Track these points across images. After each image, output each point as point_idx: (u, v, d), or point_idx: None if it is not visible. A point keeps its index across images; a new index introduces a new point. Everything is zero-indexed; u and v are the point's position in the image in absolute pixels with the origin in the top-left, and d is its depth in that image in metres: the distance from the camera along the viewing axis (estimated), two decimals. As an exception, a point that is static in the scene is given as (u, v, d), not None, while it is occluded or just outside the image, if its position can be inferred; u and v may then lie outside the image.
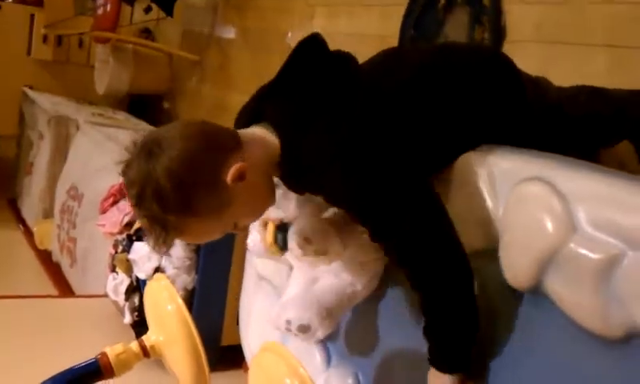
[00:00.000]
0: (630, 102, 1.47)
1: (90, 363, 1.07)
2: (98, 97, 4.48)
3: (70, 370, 1.08)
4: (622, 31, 1.79)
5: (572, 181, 1.03)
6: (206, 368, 1.07)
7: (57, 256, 3.22)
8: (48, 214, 3.65)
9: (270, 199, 1.16)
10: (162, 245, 1.05)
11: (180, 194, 1.03)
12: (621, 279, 0.94)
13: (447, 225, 1.11)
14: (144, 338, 1.12)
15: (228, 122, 1.21)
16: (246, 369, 1.84)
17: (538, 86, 1.31)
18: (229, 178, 1.06)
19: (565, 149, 1.16)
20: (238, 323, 1.86)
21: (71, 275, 2.98)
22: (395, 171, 1.10)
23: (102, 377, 1.08)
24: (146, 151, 1.04)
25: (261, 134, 1.14)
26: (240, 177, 1.07)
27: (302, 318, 1.20)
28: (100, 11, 3.97)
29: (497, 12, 2.13)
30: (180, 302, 1.08)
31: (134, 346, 1.10)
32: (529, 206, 1.06)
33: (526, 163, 1.11)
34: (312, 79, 1.15)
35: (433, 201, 1.12)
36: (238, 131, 1.14)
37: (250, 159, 1.09)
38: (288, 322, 1.22)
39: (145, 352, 1.10)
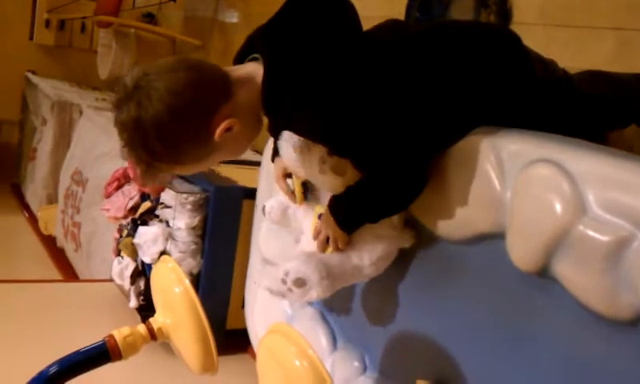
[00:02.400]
0: (638, 87, 1.46)
1: (98, 346, 1.07)
2: (101, 81, 4.46)
3: (78, 353, 1.08)
4: (628, 13, 1.77)
5: (581, 162, 1.02)
6: (214, 350, 1.07)
7: (61, 241, 3.22)
8: (52, 199, 3.65)
9: (255, 135, 1.19)
10: (150, 181, 1.17)
11: (168, 148, 1.08)
12: (630, 261, 0.93)
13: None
14: (151, 320, 1.12)
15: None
16: (252, 353, 1.85)
17: (547, 65, 1.29)
18: (217, 134, 1.10)
19: (572, 130, 1.16)
20: (243, 307, 1.87)
21: (76, 260, 2.98)
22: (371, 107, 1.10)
23: (109, 359, 1.08)
24: (136, 99, 1.05)
25: (252, 69, 1.15)
26: (228, 128, 1.11)
27: (299, 271, 1.17)
28: (102, -5, 3.95)
29: (503, -8, 2.11)
30: (187, 283, 1.07)
31: (142, 328, 1.10)
32: (537, 188, 1.05)
33: (534, 145, 1.10)
34: (308, 19, 1.14)
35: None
36: (231, 69, 1.15)
37: (238, 105, 1.12)
38: (285, 274, 1.18)
39: (152, 334, 1.10)
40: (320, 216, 1.31)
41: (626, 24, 1.77)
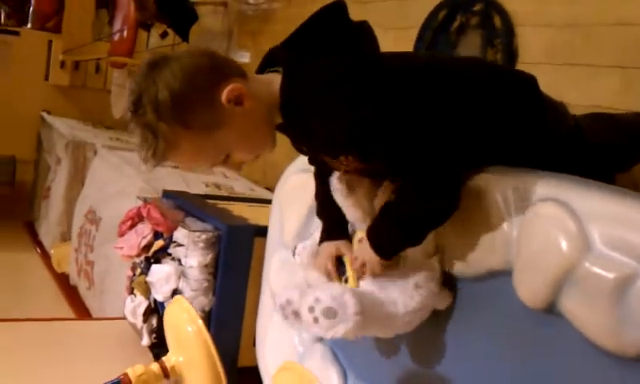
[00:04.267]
0: None
1: (113, 383, 1.09)
2: (115, 121, 4.52)
3: (94, 390, 1.10)
4: (632, 52, 1.80)
5: (586, 201, 1.04)
6: (227, 391, 1.08)
7: (74, 279, 3.25)
8: (65, 237, 3.68)
9: (268, 140, 1.17)
10: (152, 157, 1.07)
11: (174, 102, 1.05)
12: (635, 298, 0.94)
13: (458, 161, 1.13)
14: (164, 358, 1.14)
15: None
16: (263, 390, 1.85)
17: (558, 110, 1.31)
18: (224, 96, 1.08)
19: (581, 174, 1.16)
20: (254, 344, 1.87)
21: (88, 298, 3.00)
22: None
23: (124, 397, 1.09)
24: (151, 64, 1.08)
25: (270, 77, 1.15)
26: (236, 100, 1.09)
27: (334, 301, 1.09)
28: (117, 37, 4.03)
29: (509, 34, 2.16)
30: (200, 323, 1.09)
31: (155, 367, 1.11)
32: (543, 226, 1.07)
33: (539, 184, 1.12)
34: (328, 36, 1.13)
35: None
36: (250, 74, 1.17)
37: (251, 91, 1.11)
38: (316, 301, 1.10)
39: (165, 373, 1.12)
40: (360, 240, 1.28)
41: (630, 62, 1.80)
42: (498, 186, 1.17)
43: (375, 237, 1.19)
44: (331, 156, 1.22)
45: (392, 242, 1.19)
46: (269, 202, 2.49)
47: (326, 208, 1.37)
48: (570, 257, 1.02)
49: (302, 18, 1.15)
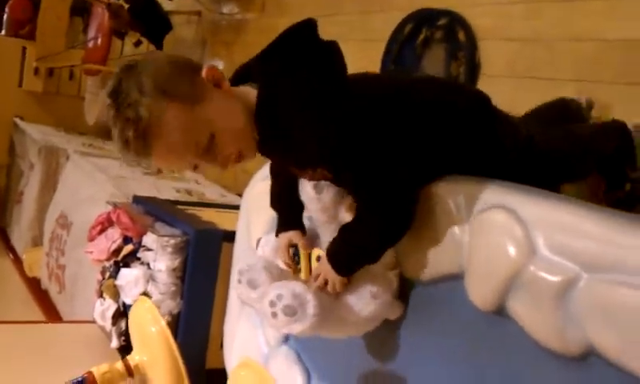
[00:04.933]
0: (595, 139, 1.54)
1: (77, 381, 1.11)
2: (88, 127, 4.51)
3: (59, 388, 1.11)
4: (587, 66, 1.87)
5: (532, 208, 1.09)
6: (188, 387, 1.11)
7: (45, 283, 3.24)
8: (37, 241, 3.66)
9: (249, 135, 1.17)
10: (135, 138, 1.07)
11: (157, 76, 1.08)
12: (577, 300, 0.99)
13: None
14: (128, 357, 1.16)
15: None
16: (231, 392, 1.88)
17: (509, 122, 1.35)
18: (204, 72, 1.12)
19: (530, 181, 1.20)
20: (222, 347, 1.88)
21: (59, 302, 3.00)
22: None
23: (87, 395, 1.11)
24: (128, 65, 1.11)
25: (245, 89, 1.19)
26: (215, 81, 1.13)
27: (295, 299, 1.14)
28: (91, 44, 4.02)
29: (472, 48, 2.22)
30: (163, 323, 1.12)
31: (119, 365, 1.14)
32: (492, 232, 1.12)
33: (489, 191, 1.16)
34: (299, 54, 1.15)
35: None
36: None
37: (228, 87, 1.15)
38: (278, 297, 1.15)
39: (129, 371, 1.14)
40: (318, 258, 1.32)
41: (585, 76, 1.87)
42: (450, 193, 1.21)
43: (334, 258, 1.24)
44: (300, 168, 1.26)
45: (350, 261, 1.24)
46: (239, 208, 2.54)
47: (280, 199, 1.43)
48: (516, 261, 1.06)
49: (274, 28, 1.18)
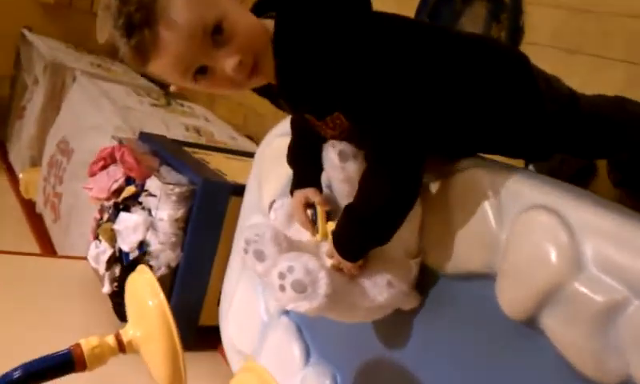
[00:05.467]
0: None
1: (63, 354, 1.01)
2: (98, 46, 4.37)
3: (41, 360, 1.02)
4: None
5: (582, 214, 0.99)
6: (183, 371, 1.03)
7: (40, 208, 3.16)
8: (36, 162, 3.57)
9: (268, 48, 1.04)
10: (135, 13, 0.96)
11: None
12: (622, 327, 0.90)
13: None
14: (121, 331, 1.07)
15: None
16: (222, 351, 1.82)
17: (551, 82, 1.28)
18: None
19: (572, 148, 1.24)
20: (219, 304, 1.82)
21: (53, 230, 2.92)
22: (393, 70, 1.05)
23: (74, 369, 1.02)
24: None
25: (263, 20, 1.08)
26: None
27: (307, 275, 1.05)
28: (108, -42, 3.84)
29: (517, 11, 2.06)
30: (162, 297, 1.02)
31: (111, 339, 1.04)
32: (535, 235, 1.02)
33: (535, 188, 1.07)
34: None
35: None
36: None
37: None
38: (289, 269, 1.06)
39: (121, 347, 1.05)
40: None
41: (638, 59, 1.73)
42: (490, 183, 1.12)
43: (340, 242, 1.14)
44: (317, 112, 1.14)
45: (357, 244, 1.14)
46: (249, 154, 2.44)
47: (298, 156, 1.33)
48: (559, 273, 0.98)
49: None
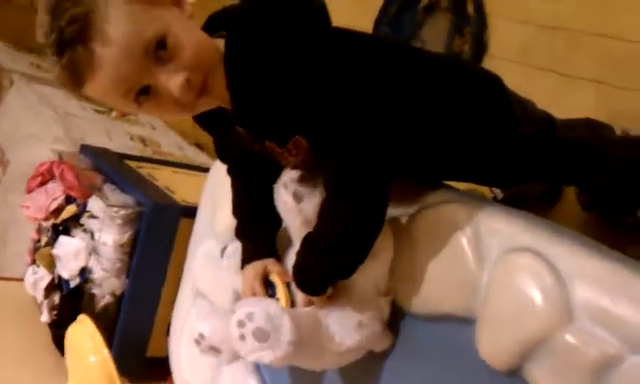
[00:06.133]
0: (625, 146, 1.42)
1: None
2: (38, 44, 4.17)
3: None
4: (612, 68, 1.68)
5: (572, 260, 0.93)
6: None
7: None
8: (-33, 170, 3.37)
9: (218, 67, 0.96)
10: (68, 28, 0.86)
11: None
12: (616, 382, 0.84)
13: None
14: (61, 392, 0.95)
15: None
16: (172, 383, 1.70)
17: (526, 104, 1.25)
18: None
19: (545, 174, 1.22)
20: (168, 334, 1.71)
21: (-14, 247, 2.75)
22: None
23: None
24: None
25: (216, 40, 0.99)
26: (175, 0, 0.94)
27: (269, 322, 0.97)
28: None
29: (481, 25, 2.00)
30: (106, 353, 0.91)
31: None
32: (520, 280, 0.95)
33: (520, 228, 1.01)
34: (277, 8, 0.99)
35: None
36: None
37: (192, 14, 0.96)
38: (248, 317, 0.98)
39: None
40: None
41: (610, 79, 1.68)
42: (468, 219, 1.04)
43: (301, 275, 1.04)
44: (274, 133, 1.04)
45: (318, 276, 1.03)
46: (199, 169, 2.32)
47: (245, 213, 1.22)
48: (547, 323, 0.91)
49: None
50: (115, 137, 2.59)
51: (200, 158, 2.72)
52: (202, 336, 1.10)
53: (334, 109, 0.92)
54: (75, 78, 0.90)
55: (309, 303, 1.08)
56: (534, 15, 1.89)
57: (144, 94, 0.92)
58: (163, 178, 2.06)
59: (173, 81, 0.90)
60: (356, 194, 0.94)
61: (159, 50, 0.89)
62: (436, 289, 1.06)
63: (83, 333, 0.96)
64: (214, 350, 1.11)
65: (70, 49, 0.86)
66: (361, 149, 0.93)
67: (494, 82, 1.18)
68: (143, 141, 2.69)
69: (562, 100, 1.75)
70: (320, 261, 1.00)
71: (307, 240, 1.02)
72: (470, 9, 2.05)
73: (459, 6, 2.07)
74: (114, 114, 1.01)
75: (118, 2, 0.88)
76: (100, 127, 2.66)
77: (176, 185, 2.01)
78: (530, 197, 1.59)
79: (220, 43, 0.97)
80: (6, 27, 4.41)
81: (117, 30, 0.87)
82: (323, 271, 1.02)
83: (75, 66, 0.87)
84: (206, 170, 1.77)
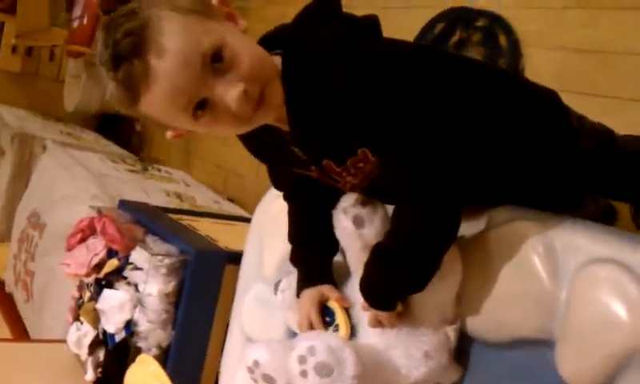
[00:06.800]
0: None
1: None
2: (66, 114, 4.25)
3: None
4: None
5: None
6: None
7: (10, 287, 2.96)
8: (4, 237, 3.38)
9: (276, 78, 0.94)
10: (129, 46, 0.85)
11: None
12: None
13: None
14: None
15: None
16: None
17: (583, 118, 1.21)
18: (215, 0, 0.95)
19: (608, 188, 1.19)
20: None
21: (26, 311, 2.72)
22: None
23: None
24: None
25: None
26: (229, 14, 0.94)
27: (331, 355, 0.93)
28: (76, 24, 3.78)
29: (515, 55, 1.98)
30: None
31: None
32: (603, 292, 0.91)
33: (595, 240, 0.96)
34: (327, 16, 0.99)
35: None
36: None
37: (245, 29, 0.96)
38: (310, 350, 0.95)
39: None
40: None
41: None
42: (538, 235, 1.00)
43: (369, 288, 1.00)
44: (340, 152, 1.00)
45: (388, 288, 1.00)
46: (238, 218, 2.30)
47: (303, 245, 1.19)
48: (634, 335, 0.86)
49: (281, 17, 1.02)
50: (151, 194, 2.59)
51: (237, 210, 2.71)
52: (256, 363, 1.04)
53: (402, 119, 0.90)
54: (131, 93, 0.89)
55: (377, 323, 1.04)
56: (568, 41, 1.87)
57: (200, 108, 0.90)
58: (204, 228, 2.04)
59: (230, 93, 0.88)
60: (431, 200, 0.91)
61: (216, 62, 0.88)
62: (509, 312, 1.01)
63: (146, 373, 0.91)
64: (269, 378, 1.04)
65: (126, 62, 0.86)
66: (435, 153, 0.91)
67: (551, 96, 1.16)
68: (179, 196, 2.70)
69: (608, 122, 1.72)
70: (391, 271, 0.97)
71: (377, 250, 0.99)
72: (503, 41, 2.04)
73: (491, 40, 2.06)
74: (168, 134, 0.98)
75: (172, 14, 0.88)
76: (135, 185, 2.67)
77: (217, 234, 1.98)
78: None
79: (276, 60, 0.96)
80: (35, 99, 4.53)
81: (172, 42, 0.86)
82: (393, 282, 0.98)
83: (131, 80, 0.87)
84: (245, 219, 1.75)
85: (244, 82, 0.89)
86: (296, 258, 1.19)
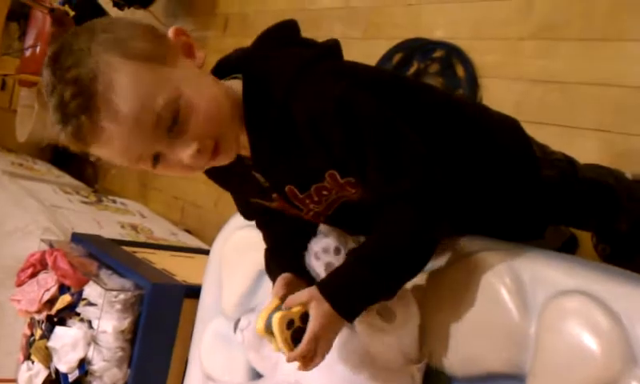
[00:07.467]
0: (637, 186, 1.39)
1: None
2: (18, 144, 4.15)
3: None
4: (612, 115, 1.68)
5: (629, 300, 0.87)
6: None
7: (-43, 324, 2.85)
8: (-50, 273, 3.26)
9: (230, 125, 0.92)
10: (73, 101, 0.82)
11: (110, 33, 0.86)
12: None
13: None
14: None
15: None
16: None
17: (545, 148, 1.22)
18: (171, 33, 0.91)
19: (569, 217, 1.20)
20: None
21: (-27, 350, 2.62)
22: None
23: None
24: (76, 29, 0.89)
25: (227, 82, 0.97)
26: (186, 47, 0.92)
27: None
28: (28, 53, 3.71)
29: (473, 86, 2.00)
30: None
31: None
32: (572, 325, 0.89)
33: (564, 271, 0.95)
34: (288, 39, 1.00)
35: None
36: None
37: (203, 62, 0.94)
38: None
39: None
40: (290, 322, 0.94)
41: (610, 126, 1.68)
42: (506, 267, 0.98)
43: (339, 291, 0.91)
44: (304, 178, 0.97)
45: (362, 295, 0.92)
46: (195, 250, 2.26)
47: (278, 262, 1.13)
48: (607, 371, 0.85)
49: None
50: (105, 225, 2.53)
51: (195, 242, 2.66)
52: None
53: (377, 134, 0.89)
54: (81, 144, 0.87)
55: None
56: (525, 72, 1.90)
57: (155, 159, 0.89)
58: (160, 261, 1.99)
59: (185, 152, 0.88)
60: (424, 203, 0.90)
61: (170, 124, 0.86)
62: (479, 347, 0.99)
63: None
64: None
65: (75, 119, 0.83)
66: (415, 161, 0.91)
67: (514, 124, 1.17)
68: (134, 228, 2.64)
69: (564, 150, 1.74)
70: (370, 277, 0.90)
71: (356, 254, 0.93)
72: (460, 71, 2.05)
73: (449, 71, 2.07)
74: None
75: (124, 63, 0.84)
76: (89, 217, 2.61)
77: (175, 267, 1.94)
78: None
79: (236, 85, 0.95)
80: (-16, 129, 4.40)
81: (123, 102, 0.83)
82: (370, 289, 0.92)
83: (80, 135, 0.85)
84: (204, 251, 1.70)
85: (198, 140, 0.87)
86: (272, 268, 1.14)
